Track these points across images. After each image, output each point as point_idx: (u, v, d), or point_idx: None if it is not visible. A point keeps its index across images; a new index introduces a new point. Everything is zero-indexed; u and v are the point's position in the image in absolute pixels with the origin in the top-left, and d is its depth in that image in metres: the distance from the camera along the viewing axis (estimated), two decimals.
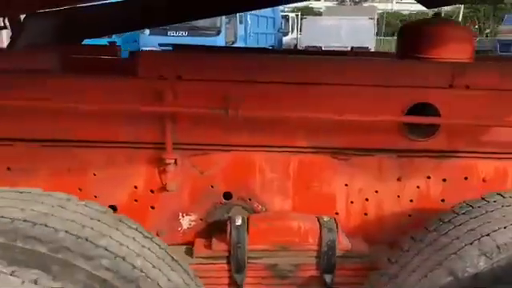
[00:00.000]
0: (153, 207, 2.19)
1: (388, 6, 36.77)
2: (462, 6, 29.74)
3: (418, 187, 2.21)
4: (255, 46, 18.31)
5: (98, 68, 2.42)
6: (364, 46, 18.67)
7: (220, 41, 14.46)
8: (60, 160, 2.13)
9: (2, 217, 1.49)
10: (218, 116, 2.03)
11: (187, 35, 14.81)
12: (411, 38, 2.54)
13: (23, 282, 1.25)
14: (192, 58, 2.20)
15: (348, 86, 2.10)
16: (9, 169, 2.13)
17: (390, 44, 29.36)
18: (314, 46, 17.83)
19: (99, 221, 1.65)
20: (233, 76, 2.07)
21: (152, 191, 2.17)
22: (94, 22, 3.56)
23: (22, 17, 3.29)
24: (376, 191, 2.21)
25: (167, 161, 2.10)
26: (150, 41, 14.06)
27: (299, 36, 22.78)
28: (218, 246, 2.07)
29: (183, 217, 2.22)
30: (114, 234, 1.62)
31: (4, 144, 2.10)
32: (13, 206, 1.57)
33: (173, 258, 1.77)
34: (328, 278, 2.08)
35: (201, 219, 2.22)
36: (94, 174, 2.14)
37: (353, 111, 2.06)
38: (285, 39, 22.06)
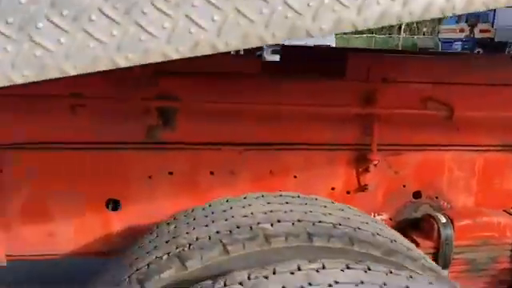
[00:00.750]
0: None
1: None
2: None
3: None
4: None
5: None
6: (326, 43, 19.01)
7: None
8: (262, 163, 2.11)
9: (321, 222, 1.48)
10: (423, 117, 2.10)
11: None
12: None
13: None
14: (396, 60, 2.25)
15: None
16: (212, 173, 2.09)
17: (344, 41, 30.21)
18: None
19: (373, 221, 1.68)
20: (433, 78, 2.14)
21: (348, 192, 2.20)
22: None
23: None
24: None
25: (372, 162, 2.13)
26: None
27: None
28: (426, 244, 2.14)
29: (374, 216, 2.26)
30: (392, 233, 1.65)
31: (210, 149, 2.06)
32: (312, 210, 1.56)
33: None
34: None
35: (390, 218, 2.27)
36: (295, 177, 2.14)
37: None
38: None
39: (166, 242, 1.48)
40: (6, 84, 0.82)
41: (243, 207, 1.58)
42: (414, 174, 2.24)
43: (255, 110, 2.04)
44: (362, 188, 2.19)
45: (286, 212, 1.53)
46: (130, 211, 2.05)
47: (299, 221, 1.47)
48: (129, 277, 1.40)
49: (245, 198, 1.68)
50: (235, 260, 1.36)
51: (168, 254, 1.41)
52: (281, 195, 1.70)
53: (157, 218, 2.03)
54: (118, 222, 2.06)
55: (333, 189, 2.19)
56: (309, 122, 2.09)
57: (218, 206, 1.63)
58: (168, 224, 1.64)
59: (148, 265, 1.40)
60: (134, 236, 2.03)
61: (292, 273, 1.17)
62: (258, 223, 1.45)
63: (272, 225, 1.43)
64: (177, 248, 1.42)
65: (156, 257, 1.42)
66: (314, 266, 1.20)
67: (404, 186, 2.24)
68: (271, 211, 1.54)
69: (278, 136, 2.10)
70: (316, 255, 1.36)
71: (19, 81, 0.83)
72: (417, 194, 2.27)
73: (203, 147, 2.06)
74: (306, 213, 1.54)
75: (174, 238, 1.50)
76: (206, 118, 2.03)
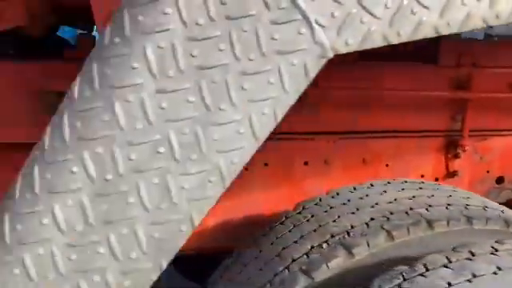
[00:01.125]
0: None
1: None
2: None
3: None
4: None
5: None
6: None
7: None
8: (355, 152, 2.07)
9: (469, 205, 1.46)
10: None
11: None
12: None
13: None
14: (487, 45, 2.24)
15: None
16: (306, 163, 2.04)
17: None
18: None
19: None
20: None
21: (437, 179, 2.18)
22: None
23: None
24: None
25: (463, 148, 2.12)
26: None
27: None
28: None
29: None
30: None
31: (304, 138, 2.01)
32: (451, 195, 1.54)
33: None
34: None
35: None
36: (387, 165, 2.11)
37: None
38: None
39: (314, 231, 1.43)
40: None
41: (380, 194, 1.54)
42: (498, 159, 2.24)
43: (350, 98, 2.00)
44: (451, 174, 2.17)
45: (429, 197, 1.50)
46: (226, 204, 1.97)
47: (449, 205, 1.44)
48: (286, 268, 1.35)
49: (372, 185, 1.64)
50: (399, 246, 1.32)
51: (326, 242, 1.36)
52: (406, 181, 1.67)
53: (252, 211, 1.98)
54: (212, 216, 1.98)
55: (422, 176, 2.16)
56: (402, 108, 2.06)
57: (350, 194, 1.59)
58: (299, 213, 1.58)
59: (306, 254, 1.35)
60: (227, 230, 1.98)
61: (493, 253, 1.14)
62: (411, 208, 1.41)
63: (427, 210, 1.40)
64: (333, 236, 1.37)
65: (312, 246, 1.37)
66: (508, 246, 1.18)
67: (488, 172, 2.24)
68: (414, 197, 1.50)
69: (371, 124, 2.06)
70: (477, 238, 1.34)
71: None
72: (500, 180, 2.27)
73: (298, 137, 2.00)
74: (447, 197, 1.51)
75: (320, 226, 1.44)
76: (301, 106, 1.97)
